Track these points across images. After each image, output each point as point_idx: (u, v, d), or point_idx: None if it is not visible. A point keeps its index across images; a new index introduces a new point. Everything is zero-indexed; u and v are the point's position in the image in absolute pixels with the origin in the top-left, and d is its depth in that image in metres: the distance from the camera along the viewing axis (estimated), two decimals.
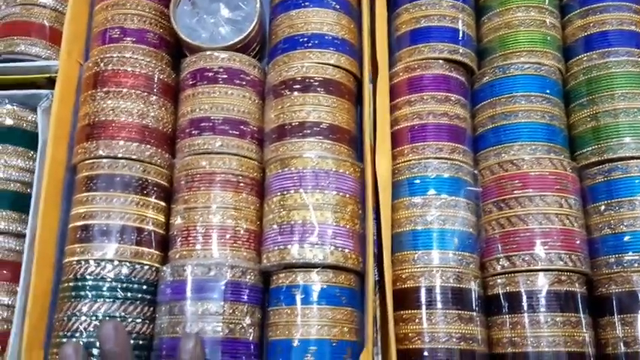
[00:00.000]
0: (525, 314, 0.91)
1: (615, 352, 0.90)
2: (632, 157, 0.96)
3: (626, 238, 0.93)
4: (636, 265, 0.91)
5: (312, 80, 1.05)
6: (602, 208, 0.96)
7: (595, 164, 0.99)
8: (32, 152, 1.12)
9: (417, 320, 0.91)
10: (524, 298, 0.91)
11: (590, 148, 1.00)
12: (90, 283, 0.96)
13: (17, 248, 1.07)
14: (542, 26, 1.08)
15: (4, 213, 1.07)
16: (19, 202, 1.09)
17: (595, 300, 0.94)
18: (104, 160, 1.03)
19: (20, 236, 1.07)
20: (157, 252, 1.03)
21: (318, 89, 1.05)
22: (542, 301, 0.90)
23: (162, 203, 1.06)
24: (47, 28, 1.21)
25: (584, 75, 1.04)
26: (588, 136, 1.01)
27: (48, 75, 1.15)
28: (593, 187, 0.98)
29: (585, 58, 1.06)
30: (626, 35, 1.05)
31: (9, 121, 1.12)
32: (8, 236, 1.07)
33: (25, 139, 1.12)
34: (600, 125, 1.00)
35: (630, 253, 0.92)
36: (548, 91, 1.03)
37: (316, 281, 0.94)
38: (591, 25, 1.07)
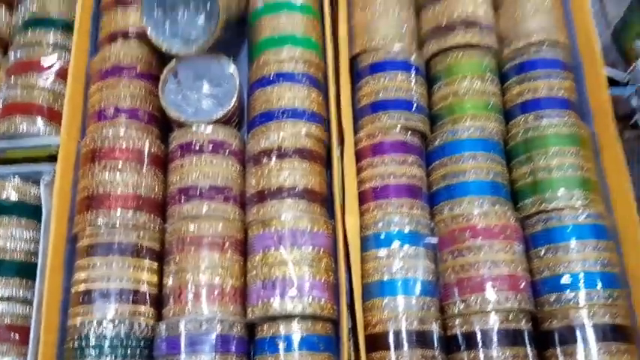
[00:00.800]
0: (480, 350, 1.03)
1: None
2: (566, 207, 1.11)
3: (563, 279, 1.07)
4: (572, 302, 1.05)
5: (287, 149, 1.19)
6: (542, 252, 1.10)
7: (534, 214, 1.13)
8: (36, 222, 1.23)
9: None
10: (479, 335, 1.04)
11: (530, 200, 1.15)
12: (93, 342, 1.07)
13: (22, 313, 1.17)
14: (484, 94, 1.23)
15: (11, 280, 1.18)
16: (24, 270, 1.20)
17: (540, 334, 1.08)
18: (103, 229, 1.15)
19: (25, 302, 1.18)
20: (152, 309, 1.14)
21: (293, 156, 1.19)
22: (494, 338, 1.03)
23: (155, 264, 1.17)
24: (45, 108, 1.34)
25: (521, 136, 1.19)
26: (528, 190, 1.16)
27: (48, 152, 1.28)
28: (533, 235, 1.12)
29: (522, 121, 1.21)
30: (557, 100, 1.21)
31: (14, 195, 1.24)
32: (15, 302, 1.17)
33: (30, 211, 1.24)
34: (537, 180, 1.15)
35: (567, 292, 1.05)
36: (491, 151, 1.18)
37: (296, 330, 1.06)
38: (526, 91, 1.23)
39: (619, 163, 1.12)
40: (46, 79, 1.36)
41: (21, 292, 1.18)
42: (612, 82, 1.24)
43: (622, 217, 1.12)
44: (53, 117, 1.33)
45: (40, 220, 1.22)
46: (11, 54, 1.41)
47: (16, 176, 1.26)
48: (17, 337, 1.15)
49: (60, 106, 1.34)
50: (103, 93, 1.28)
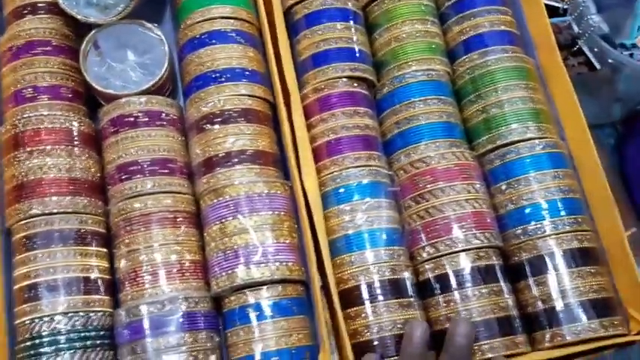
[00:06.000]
0: (455, 291, 1.02)
1: (535, 310, 1.03)
2: (521, 140, 1.10)
3: (527, 211, 1.06)
4: (539, 232, 1.05)
5: (230, 112, 1.12)
6: (504, 187, 1.09)
7: (491, 151, 1.12)
8: None
9: (363, 315, 1.00)
10: (452, 277, 1.03)
11: (485, 138, 1.14)
12: (46, 339, 0.98)
13: None
14: (426, 36, 1.20)
15: None
16: None
17: (510, 268, 1.07)
18: (39, 218, 1.04)
19: None
20: (107, 297, 1.05)
21: (238, 119, 1.12)
22: (468, 277, 1.02)
23: (104, 250, 1.08)
24: None
25: (468, 74, 1.18)
26: (481, 128, 1.15)
27: None
28: (492, 171, 1.11)
29: (467, 60, 1.20)
30: (499, 35, 1.20)
31: None
32: None
33: None
34: (489, 117, 1.14)
35: (533, 223, 1.05)
36: (441, 93, 1.16)
37: (266, 297, 1.01)
38: (467, 29, 1.21)
39: (567, 90, 1.13)
40: None
41: None
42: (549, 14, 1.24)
43: (575, 141, 1.13)
44: None
45: None
46: None
47: None
48: None
49: None
50: (18, 73, 1.15)
